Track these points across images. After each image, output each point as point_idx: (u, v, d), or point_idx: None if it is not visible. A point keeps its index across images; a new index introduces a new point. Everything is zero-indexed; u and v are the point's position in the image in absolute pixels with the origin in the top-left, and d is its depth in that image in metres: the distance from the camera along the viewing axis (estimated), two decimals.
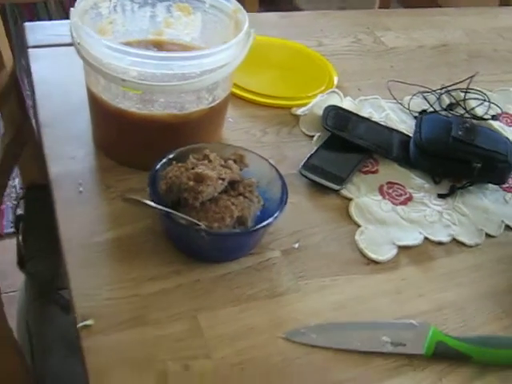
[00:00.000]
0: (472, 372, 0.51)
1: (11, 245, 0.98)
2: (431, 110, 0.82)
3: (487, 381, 0.51)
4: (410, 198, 0.68)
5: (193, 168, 0.55)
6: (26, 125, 0.87)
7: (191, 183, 0.53)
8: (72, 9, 0.59)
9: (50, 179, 0.63)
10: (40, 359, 0.74)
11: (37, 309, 0.79)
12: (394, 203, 0.67)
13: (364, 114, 0.78)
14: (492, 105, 0.85)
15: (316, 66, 0.88)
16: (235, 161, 0.59)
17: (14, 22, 2.28)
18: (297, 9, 2.09)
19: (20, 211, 0.92)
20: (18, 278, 0.97)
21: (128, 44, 0.65)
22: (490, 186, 0.72)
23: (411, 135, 0.74)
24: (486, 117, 0.83)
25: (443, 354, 0.51)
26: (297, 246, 0.59)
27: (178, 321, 0.51)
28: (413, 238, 0.62)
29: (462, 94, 0.85)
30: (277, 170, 0.59)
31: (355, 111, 0.77)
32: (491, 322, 0.56)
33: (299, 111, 0.77)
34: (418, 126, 0.73)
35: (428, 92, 0.86)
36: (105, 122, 0.64)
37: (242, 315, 0.52)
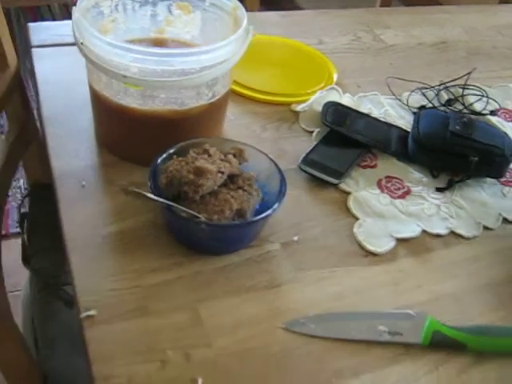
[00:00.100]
0: (468, 360, 0.52)
1: (16, 244, 1.00)
2: (430, 105, 0.83)
3: (483, 369, 0.52)
4: (408, 192, 0.69)
5: (193, 162, 0.56)
6: (30, 124, 0.89)
7: (191, 176, 0.54)
8: (74, 7, 0.61)
9: (54, 175, 0.64)
10: (44, 353, 0.75)
11: (41, 304, 0.80)
12: (392, 197, 0.67)
13: (363, 110, 0.79)
14: (490, 100, 0.86)
15: (316, 63, 0.89)
16: (235, 155, 0.60)
17: (18, 24, 2.30)
18: (298, 8, 2.10)
19: (24, 209, 0.93)
20: (23, 277, 0.98)
21: (129, 42, 0.66)
22: (488, 179, 0.73)
23: (410, 130, 0.75)
24: (484, 112, 0.83)
25: (440, 343, 0.52)
26: (296, 238, 0.60)
27: (179, 311, 0.52)
28: (411, 230, 0.63)
29: (461, 90, 0.86)
30: (275, 164, 0.59)
31: (354, 107, 0.78)
32: (488, 313, 0.57)
33: (299, 107, 0.78)
34: (416, 121, 0.73)
35: (427, 88, 0.87)
36: (107, 118, 0.66)
37: (242, 306, 0.53)
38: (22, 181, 1.73)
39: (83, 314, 0.50)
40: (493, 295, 0.59)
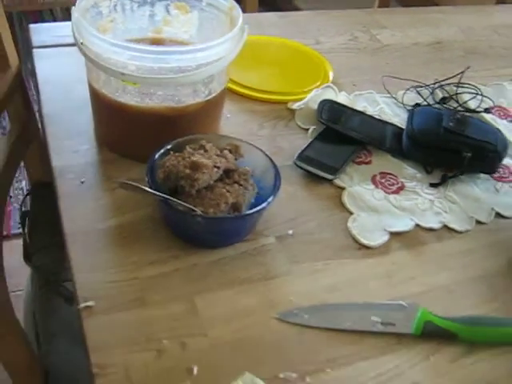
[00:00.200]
0: (459, 350, 0.53)
1: (18, 245, 1.01)
2: (425, 103, 0.84)
3: (474, 359, 0.53)
4: (402, 187, 0.70)
5: (189, 157, 0.57)
6: (31, 124, 0.90)
7: (187, 171, 0.55)
8: (73, 7, 0.62)
9: (54, 172, 0.65)
10: (45, 348, 0.76)
11: (42, 300, 0.81)
12: (386, 192, 0.69)
13: (358, 108, 0.80)
14: (485, 98, 0.87)
15: (312, 62, 0.91)
16: (230, 151, 0.61)
17: (20, 27, 2.32)
18: (296, 9, 2.11)
19: (25, 208, 0.95)
20: (25, 277, 1.00)
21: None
22: (482, 175, 0.74)
23: (404, 128, 0.76)
24: (478, 110, 0.84)
25: (431, 334, 0.53)
26: (291, 232, 0.62)
27: (176, 302, 0.53)
28: (404, 224, 0.64)
29: (455, 88, 0.87)
30: (270, 159, 0.61)
31: (350, 105, 0.80)
32: (480, 304, 0.58)
33: (295, 105, 0.80)
34: (410, 118, 0.75)
35: (422, 87, 0.88)
36: (106, 116, 0.67)
37: (237, 297, 0.54)
38: (24, 182, 1.75)
39: (81, 305, 0.51)
40: (485, 287, 0.60)
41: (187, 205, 0.55)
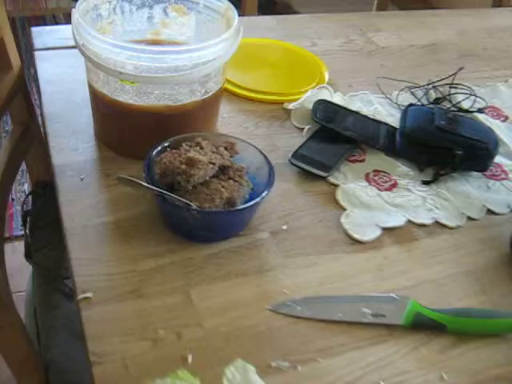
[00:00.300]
0: (448, 341, 0.54)
1: (20, 246, 1.03)
2: (418, 104, 0.86)
3: (462, 349, 0.54)
4: (394, 185, 0.71)
5: (185, 154, 0.58)
6: (32, 124, 0.92)
7: (183, 167, 0.57)
8: (73, 9, 0.64)
9: (54, 169, 0.67)
10: (45, 343, 0.78)
11: (42, 296, 0.83)
12: (379, 189, 0.70)
13: (353, 108, 0.82)
14: (478, 99, 0.88)
15: (308, 64, 0.92)
16: (226, 148, 0.62)
17: (23, 32, 2.35)
18: (295, 13, 2.13)
19: (27, 207, 0.96)
20: (26, 279, 1.01)
21: None
22: (474, 173, 0.75)
23: (398, 127, 0.77)
24: (471, 110, 0.86)
25: (421, 325, 0.55)
26: (285, 227, 0.63)
27: (172, 294, 0.54)
28: (396, 220, 0.66)
29: (449, 89, 0.89)
30: (265, 156, 0.62)
31: (345, 106, 0.81)
32: (469, 297, 0.59)
33: (291, 106, 0.81)
34: (403, 117, 0.76)
35: (416, 87, 0.89)
36: (105, 115, 0.69)
37: (232, 289, 0.56)
38: (26, 185, 1.76)
39: (80, 296, 0.52)
40: (474, 281, 0.61)
41: (183, 199, 0.56)
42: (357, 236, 0.63)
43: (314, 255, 0.60)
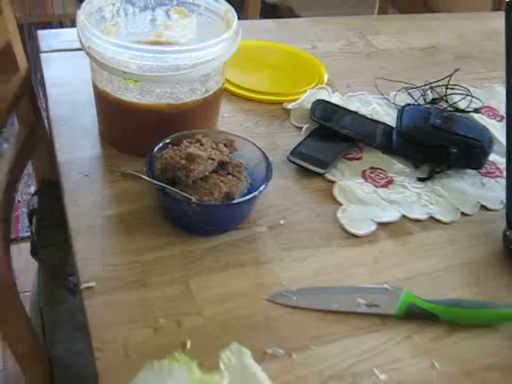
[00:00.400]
0: (440, 330, 0.56)
1: (26, 248, 1.05)
2: (415, 104, 0.87)
3: (454, 338, 0.55)
4: (390, 182, 0.73)
5: (185, 149, 0.60)
6: (38, 125, 0.94)
7: (183, 162, 0.59)
8: (78, 11, 0.66)
9: (59, 166, 0.69)
10: (50, 337, 0.80)
11: (47, 292, 0.85)
12: (375, 186, 0.72)
13: (351, 108, 0.84)
14: (474, 99, 0.90)
15: (308, 65, 0.94)
16: (225, 145, 0.64)
17: (30, 37, 2.38)
18: (297, 17, 2.16)
19: (33, 206, 0.99)
20: (31, 279, 1.03)
21: None
22: (469, 171, 0.77)
23: (394, 126, 0.79)
24: (467, 110, 0.87)
25: (414, 315, 0.56)
26: (282, 222, 0.65)
27: (172, 285, 0.56)
28: (391, 215, 0.67)
29: (446, 90, 0.91)
30: (263, 152, 0.64)
31: (343, 106, 0.83)
32: (462, 289, 0.61)
33: (290, 105, 0.83)
34: (400, 116, 0.78)
35: (413, 88, 0.91)
36: (109, 113, 0.71)
37: (230, 280, 0.57)
38: (32, 187, 1.79)
39: (83, 286, 0.54)
40: (469, 274, 0.63)
41: (183, 193, 0.58)
42: (353, 230, 0.65)
43: (310, 248, 0.62)
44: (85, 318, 0.53)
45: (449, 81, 0.91)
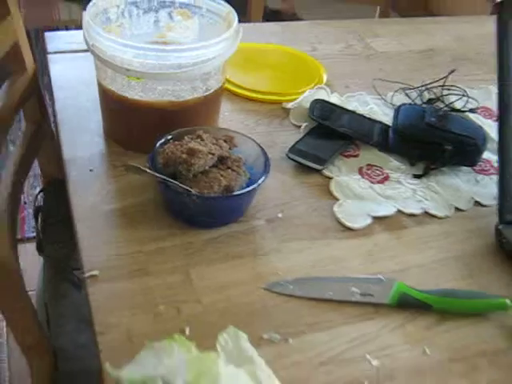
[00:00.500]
0: (432, 320, 0.58)
1: (31, 248, 1.07)
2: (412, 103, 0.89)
3: (446, 326, 0.57)
4: (386, 178, 0.75)
5: (186, 144, 0.63)
6: (44, 124, 0.97)
7: (184, 156, 0.61)
8: (84, 12, 0.68)
9: (65, 162, 0.71)
10: (54, 330, 0.82)
11: (52, 286, 0.87)
12: (371, 182, 0.74)
13: (350, 107, 0.86)
14: (471, 99, 0.92)
15: (307, 66, 0.97)
16: (225, 141, 0.67)
17: (37, 43, 2.42)
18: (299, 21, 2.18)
19: (39, 203, 1.01)
20: (36, 279, 1.05)
21: None
22: (464, 168, 0.79)
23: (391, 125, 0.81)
24: (463, 109, 0.89)
25: (407, 304, 0.58)
26: (280, 215, 0.67)
27: (173, 274, 0.58)
28: (386, 209, 0.69)
29: (442, 90, 0.93)
30: (261, 147, 0.66)
31: (341, 105, 0.85)
32: (455, 280, 0.63)
33: (289, 105, 0.85)
34: (396, 115, 0.80)
35: (411, 89, 0.93)
36: (113, 110, 0.73)
37: (229, 270, 0.59)
38: (38, 189, 1.81)
39: (87, 274, 0.57)
40: (461, 265, 0.64)
41: (184, 186, 0.60)
42: (348, 224, 0.67)
43: (307, 240, 0.64)
44: (88, 304, 0.55)
45: (444, 81, 0.93)
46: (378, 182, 0.74)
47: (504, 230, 0.66)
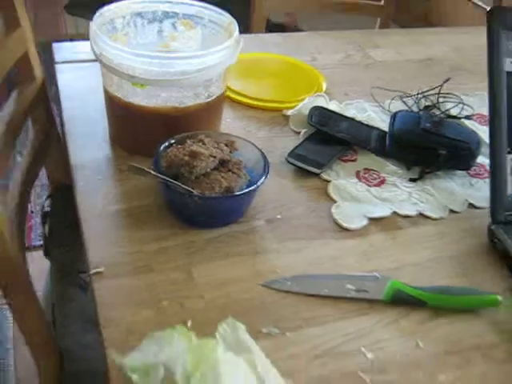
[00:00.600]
0: (425, 315, 0.60)
1: (38, 256, 1.09)
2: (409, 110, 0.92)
3: (438, 322, 0.59)
4: (383, 181, 0.77)
5: (189, 147, 0.65)
6: (51, 131, 1.00)
7: (186, 158, 0.64)
8: (91, 22, 0.72)
9: (72, 168, 0.74)
10: (61, 331, 0.84)
11: (59, 289, 0.89)
12: (368, 185, 0.76)
13: (348, 114, 0.88)
14: (466, 107, 0.95)
15: (307, 75, 1.00)
16: (226, 145, 0.69)
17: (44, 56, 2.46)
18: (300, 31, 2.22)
19: (46, 209, 1.04)
20: (42, 285, 1.07)
21: None
22: (458, 172, 0.81)
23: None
24: (459, 116, 0.92)
25: (401, 301, 0.60)
26: (280, 216, 0.69)
27: (175, 271, 0.61)
28: (382, 211, 0.71)
29: (438, 97, 0.95)
30: (260, 151, 0.69)
31: (340, 112, 0.88)
32: (450, 278, 0.64)
33: (289, 112, 0.88)
34: (392, 121, 0.82)
35: (408, 96, 0.96)
36: (118, 116, 0.76)
37: (229, 268, 0.62)
38: (44, 198, 1.84)
39: (92, 270, 0.59)
40: (455, 264, 0.66)
41: (186, 187, 0.63)
42: (345, 225, 0.69)
43: (305, 240, 0.66)
44: (94, 300, 0.57)
45: (440, 89, 0.96)
46: (375, 186, 0.76)
47: (496, 230, 0.68)
